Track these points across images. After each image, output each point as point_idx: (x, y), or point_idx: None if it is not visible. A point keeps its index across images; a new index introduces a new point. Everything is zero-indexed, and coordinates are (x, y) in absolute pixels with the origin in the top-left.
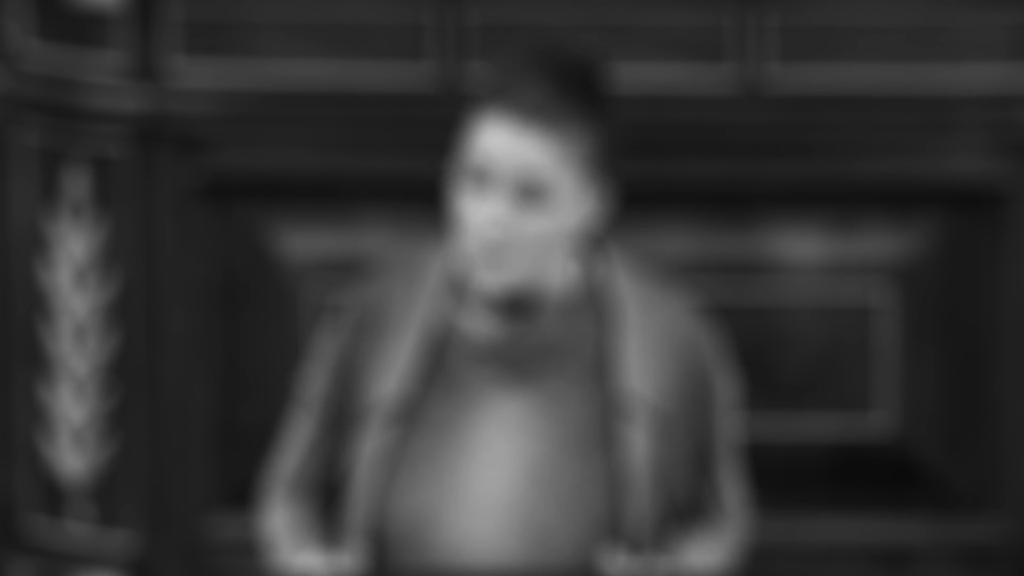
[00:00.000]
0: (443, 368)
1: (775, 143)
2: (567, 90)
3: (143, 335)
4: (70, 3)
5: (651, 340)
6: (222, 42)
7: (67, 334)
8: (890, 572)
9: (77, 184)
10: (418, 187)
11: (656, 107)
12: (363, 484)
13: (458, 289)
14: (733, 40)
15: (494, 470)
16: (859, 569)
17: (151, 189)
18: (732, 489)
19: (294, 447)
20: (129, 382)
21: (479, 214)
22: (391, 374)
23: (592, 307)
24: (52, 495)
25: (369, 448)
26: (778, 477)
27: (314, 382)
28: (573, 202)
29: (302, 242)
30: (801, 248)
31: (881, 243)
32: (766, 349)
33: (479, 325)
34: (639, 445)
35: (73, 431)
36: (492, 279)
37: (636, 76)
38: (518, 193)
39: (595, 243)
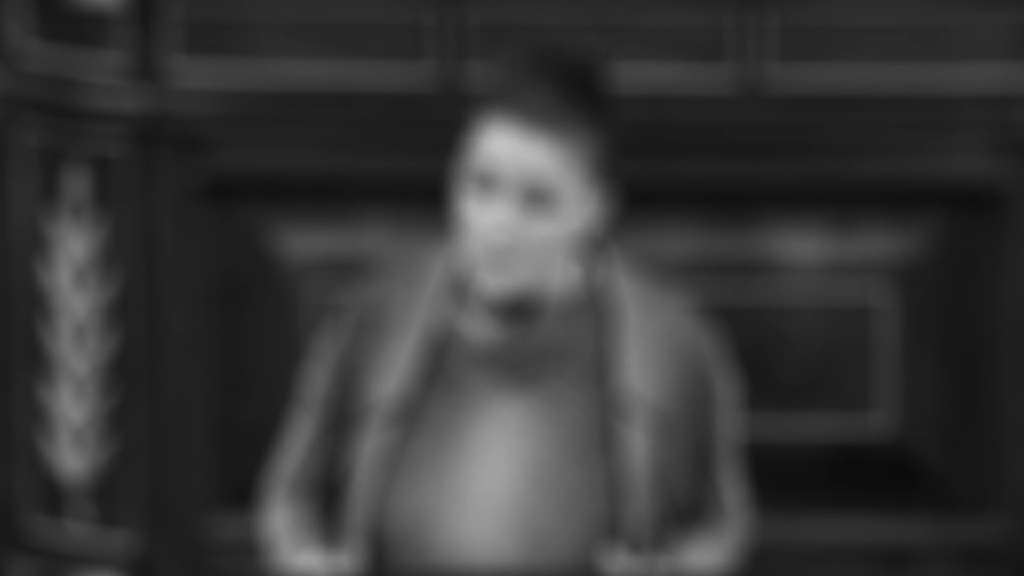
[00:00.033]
0: (443, 370)
1: (775, 143)
2: (571, 94)
3: (143, 335)
4: (70, 3)
5: (651, 341)
6: (222, 42)
7: (67, 334)
8: (890, 572)
9: (77, 184)
10: (418, 187)
11: (656, 107)
12: (363, 484)
13: (459, 291)
14: (733, 40)
15: (494, 472)
16: (859, 569)
17: (151, 189)
18: (732, 490)
19: (294, 447)
20: (129, 382)
21: (485, 219)
22: (391, 374)
23: (592, 309)
24: (52, 495)
25: (369, 448)
26: (778, 477)
27: (315, 382)
28: (577, 205)
29: (302, 242)
30: (801, 248)
31: (881, 243)
32: (766, 349)
33: (480, 328)
34: (639, 446)
35: (73, 431)
36: (496, 283)
37: (636, 76)
38: (524, 198)
39: (596, 245)
